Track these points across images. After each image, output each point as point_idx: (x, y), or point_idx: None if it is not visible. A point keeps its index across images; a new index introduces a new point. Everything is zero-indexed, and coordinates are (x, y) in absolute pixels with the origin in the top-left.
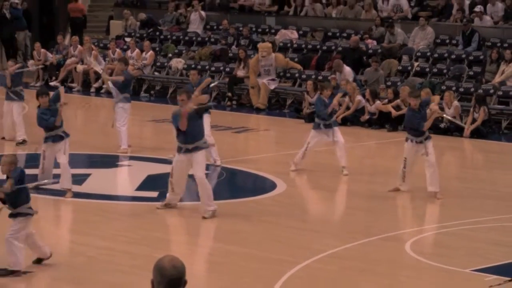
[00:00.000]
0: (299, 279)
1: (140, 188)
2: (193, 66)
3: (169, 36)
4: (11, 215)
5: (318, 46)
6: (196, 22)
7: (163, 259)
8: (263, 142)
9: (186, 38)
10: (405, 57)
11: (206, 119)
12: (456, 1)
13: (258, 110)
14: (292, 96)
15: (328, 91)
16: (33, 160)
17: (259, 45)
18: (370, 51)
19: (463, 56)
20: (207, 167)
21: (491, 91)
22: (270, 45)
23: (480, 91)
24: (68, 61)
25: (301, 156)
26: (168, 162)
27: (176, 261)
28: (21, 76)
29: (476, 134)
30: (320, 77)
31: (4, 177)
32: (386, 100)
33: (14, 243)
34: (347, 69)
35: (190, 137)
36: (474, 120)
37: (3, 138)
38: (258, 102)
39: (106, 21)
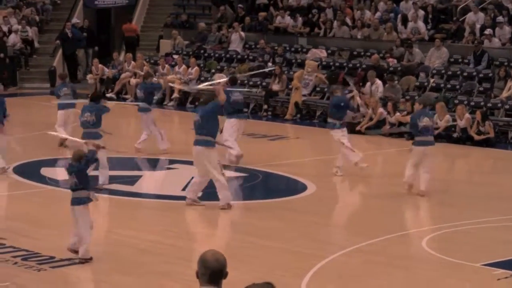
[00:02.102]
0: (326, 271)
1: (186, 188)
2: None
3: (212, 54)
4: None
5: (345, 64)
6: (236, 41)
7: (207, 253)
8: (295, 149)
9: (227, 55)
10: (422, 74)
11: (230, 125)
12: (468, 24)
13: (290, 120)
14: (321, 108)
15: (338, 92)
16: None
17: (307, 62)
18: (391, 68)
19: (474, 73)
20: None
21: (499, 105)
22: (316, 64)
23: (489, 105)
24: (123, 75)
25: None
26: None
27: (218, 254)
28: None
29: (486, 143)
30: (346, 92)
31: None
32: (405, 112)
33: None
34: (379, 81)
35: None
36: (480, 132)
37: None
38: (290, 114)
39: (156, 40)
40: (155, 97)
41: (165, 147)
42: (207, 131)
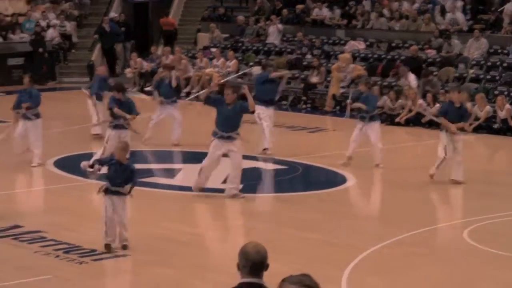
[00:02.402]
0: (367, 263)
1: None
2: None
3: (250, 47)
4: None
5: (383, 56)
6: (274, 34)
7: (248, 245)
8: (334, 141)
9: (265, 48)
10: (461, 65)
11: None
12: (507, 15)
13: (328, 113)
14: None
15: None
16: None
17: (339, 56)
18: (430, 59)
19: None
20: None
21: None
22: (349, 56)
23: None
24: (161, 69)
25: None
26: (251, 158)
27: (259, 246)
28: None
29: None
30: (385, 83)
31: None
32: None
33: None
34: (412, 75)
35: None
36: None
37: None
38: (328, 106)
39: (194, 34)
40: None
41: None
42: None
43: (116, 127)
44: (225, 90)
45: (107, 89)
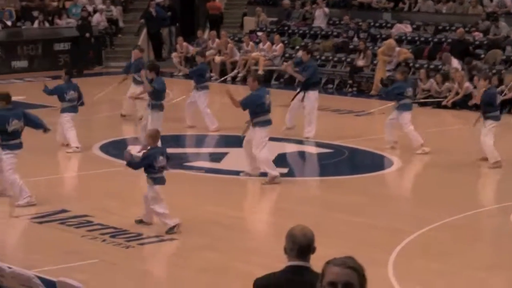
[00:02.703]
0: (415, 246)
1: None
2: (317, 57)
3: (296, 31)
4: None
5: (430, 39)
6: (320, 17)
7: (295, 228)
8: (380, 124)
9: (312, 32)
10: (509, 48)
11: None
12: None
13: (374, 96)
14: None
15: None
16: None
17: (384, 42)
18: (477, 42)
19: None
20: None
21: None
22: (393, 43)
23: None
24: (207, 53)
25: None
26: (296, 142)
27: (306, 230)
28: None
29: None
30: (431, 66)
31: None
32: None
33: None
34: (455, 61)
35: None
36: None
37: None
38: (374, 89)
39: (240, 18)
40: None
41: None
42: None
43: (154, 107)
44: (247, 79)
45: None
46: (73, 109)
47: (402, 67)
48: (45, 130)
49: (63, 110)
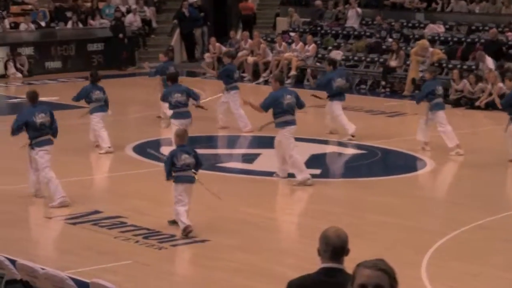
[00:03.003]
0: (448, 247)
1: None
2: (350, 57)
3: (328, 31)
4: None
5: (463, 39)
6: (353, 18)
7: (329, 230)
8: (414, 125)
9: (344, 32)
10: None
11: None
12: None
13: (407, 97)
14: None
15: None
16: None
17: (418, 42)
18: (510, 42)
19: None
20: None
21: None
22: (427, 43)
23: None
24: (240, 54)
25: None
26: (330, 143)
27: (340, 231)
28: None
29: None
30: (464, 67)
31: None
32: None
33: None
34: (489, 59)
35: None
36: None
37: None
38: (407, 90)
39: (273, 18)
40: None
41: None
42: None
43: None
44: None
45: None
46: (101, 109)
47: (430, 67)
48: (54, 136)
49: (92, 111)
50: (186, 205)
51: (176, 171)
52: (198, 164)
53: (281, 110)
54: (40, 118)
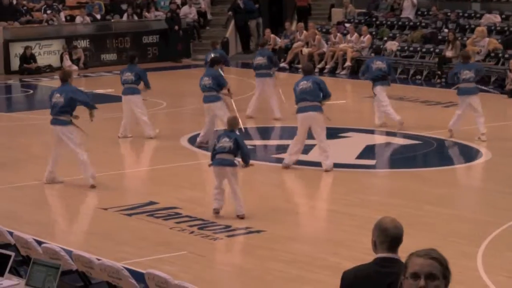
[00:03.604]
0: (504, 238)
1: (360, 156)
2: (405, 48)
3: (384, 22)
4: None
5: None
6: (408, 8)
7: (385, 220)
8: (469, 116)
9: (400, 23)
10: None
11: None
12: None
13: None
14: (496, 74)
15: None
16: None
17: (477, 28)
18: None
19: None
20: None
21: None
22: (484, 29)
23: None
24: (295, 45)
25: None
26: (385, 133)
27: (396, 221)
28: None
29: None
30: None
31: None
32: None
33: None
34: None
35: None
36: None
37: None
38: None
39: (328, 9)
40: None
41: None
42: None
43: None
44: None
45: None
46: (129, 91)
47: (462, 51)
48: (91, 108)
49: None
50: (217, 188)
51: (213, 154)
52: (239, 149)
53: (296, 97)
54: (54, 99)
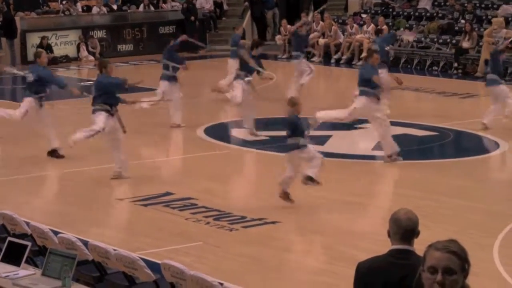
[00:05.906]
0: None
1: (376, 147)
2: (422, 39)
3: (400, 12)
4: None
5: None
6: None
7: (399, 212)
8: (486, 107)
9: (416, 13)
10: None
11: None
12: None
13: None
14: None
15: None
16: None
17: (493, 19)
18: None
19: None
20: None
21: None
22: (502, 20)
23: None
24: (311, 35)
25: None
26: (401, 124)
27: (411, 213)
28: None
29: None
30: None
31: None
32: None
33: None
34: None
35: None
36: None
37: None
38: (480, 71)
39: (344, 0)
40: None
41: None
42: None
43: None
44: None
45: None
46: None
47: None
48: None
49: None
50: (288, 172)
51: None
52: (294, 132)
53: None
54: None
